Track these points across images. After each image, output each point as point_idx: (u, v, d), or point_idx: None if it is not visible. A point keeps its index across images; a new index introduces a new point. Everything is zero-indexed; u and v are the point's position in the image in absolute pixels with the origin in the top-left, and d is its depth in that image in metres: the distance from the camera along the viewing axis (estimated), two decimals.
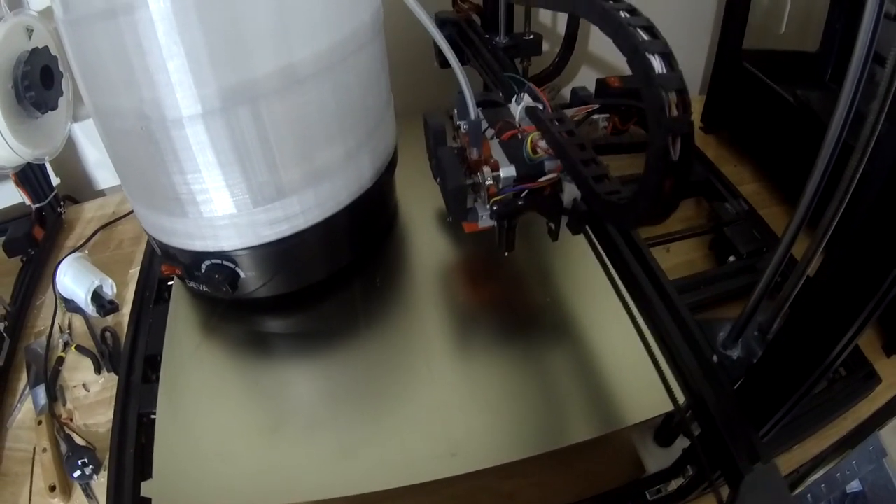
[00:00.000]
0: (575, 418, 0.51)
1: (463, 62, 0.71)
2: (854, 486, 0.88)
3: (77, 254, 0.73)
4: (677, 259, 0.73)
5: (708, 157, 0.87)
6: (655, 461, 0.54)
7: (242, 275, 0.56)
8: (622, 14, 0.38)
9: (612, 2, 0.39)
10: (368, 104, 0.56)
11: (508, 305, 0.61)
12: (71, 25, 0.46)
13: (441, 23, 0.72)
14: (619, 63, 0.97)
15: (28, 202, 0.78)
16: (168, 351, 0.59)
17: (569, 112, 0.78)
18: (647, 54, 0.36)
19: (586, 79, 0.99)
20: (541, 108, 0.51)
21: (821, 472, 0.73)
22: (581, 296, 0.60)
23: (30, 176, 0.78)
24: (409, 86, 0.73)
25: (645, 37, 0.37)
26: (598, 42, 0.95)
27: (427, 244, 0.68)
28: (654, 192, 0.38)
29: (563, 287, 0.61)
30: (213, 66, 0.44)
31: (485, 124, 0.51)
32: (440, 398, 0.53)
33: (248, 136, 0.48)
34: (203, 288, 0.58)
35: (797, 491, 0.76)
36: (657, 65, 0.36)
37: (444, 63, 0.75)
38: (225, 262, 0.55)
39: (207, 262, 0.55)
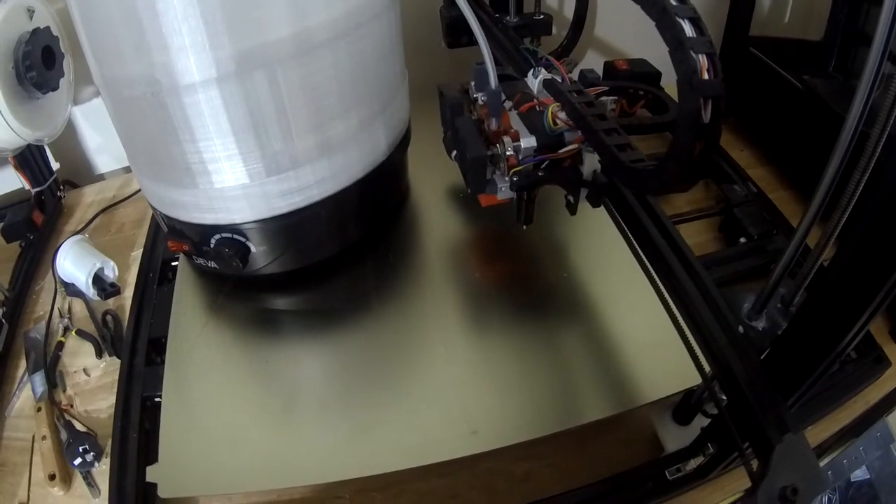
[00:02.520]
0: (595, 396, 0.50)
1: (471, 43, 0.70)
2: (859, 474, 0.87)
3: (77, 237, 0.71)
4: (687, 241, 0.73)
5: None
6: (674, 440, 0.53)
7: (253, 249, 0.54)
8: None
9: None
10: (383, 75, 0.55)
11: (525, 282, 0.60)
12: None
13: (450, 3, 0.71)
14: (625, 47, 0.96)
15: (27, 186, 0.76)
16: (173, 332, 0.58)
17: None
18: (677, 18, 0.35)
19: (592, 62, 0.98)
20: (559, 80, 0.49)
21: (827, 460, 0.73)
22: (599, 271, 0.59)
23: (29, 160, 0.76)
24: (418, 68, 0.72)
25: (674, 2, 0.36)
26: (606, 25, 0.95)
27: (440, 221, 0.66)
28: (684, 156, 0.36)
29: (580, 263, 0.60)
30: (228, 29, 0.43)
31: (502, 97, 0.50)
32: (456, 377, 0.52)
33: (262, 103, 0.47)
34: (211, 264, 0.56)
35: None
36: (687, 28, 0.36)
37: (452, 43, 0.74)
38: (235, 236, 0.53)
39: (217, 237, 0.53)
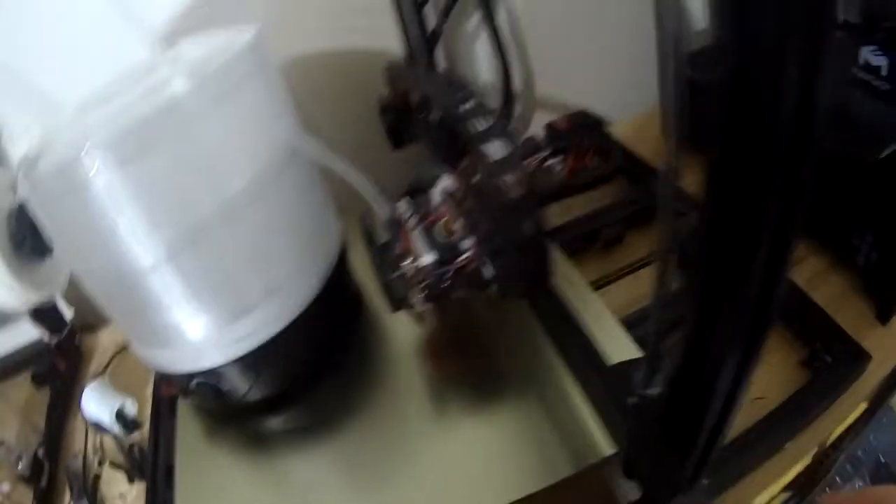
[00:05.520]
0: (547, 461, 0.58)
1: (409, 141, 0.80)
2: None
3: (97, 381, 0.84)
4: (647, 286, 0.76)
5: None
6: (628, 493, 0.60)
7: (225, 388, 0.65)
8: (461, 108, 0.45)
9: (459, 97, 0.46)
10: (309, 210, 0.65)
11: (480, 369, 0.68)
12: (37, 203, 0.58)
13: (383, 109, 0.81)
14: (574, 97, 1.00)
15: (46, 338, 0.91)
16: (179, 460, 0.70)
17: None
18: (481, 146, 0.42)
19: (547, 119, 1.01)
20: (455, 188, 0.58)
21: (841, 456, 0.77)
22: (536, 351, 0.66)
23: (43, 312, 0.90)
24: (372, 168, 0.82)
25: (480, 125, 0.43)
26: (550, 84, 0.96)
27: (395, 323, 0.75)
28: (522, 274, 0.43)
29: (525, 343, 0.67)
30: (161, 220, 0.55)
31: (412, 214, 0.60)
32: (437, 466, 0.61)
33: (208, 268, 0.58)
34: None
35: (829, 475, 0.79)
36: (493, 149, 0.42)
37: (397, 145, 0.84)
38: (211, 379, 0.65)
39: (196, 381, 0.65)
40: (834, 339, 0.70)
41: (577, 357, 0.52)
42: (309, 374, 0.72)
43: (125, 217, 0.54)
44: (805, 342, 0.72)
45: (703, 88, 0.26)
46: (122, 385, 0.86)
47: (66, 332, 0.94)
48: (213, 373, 0.65)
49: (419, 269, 0.55)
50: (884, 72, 0.80)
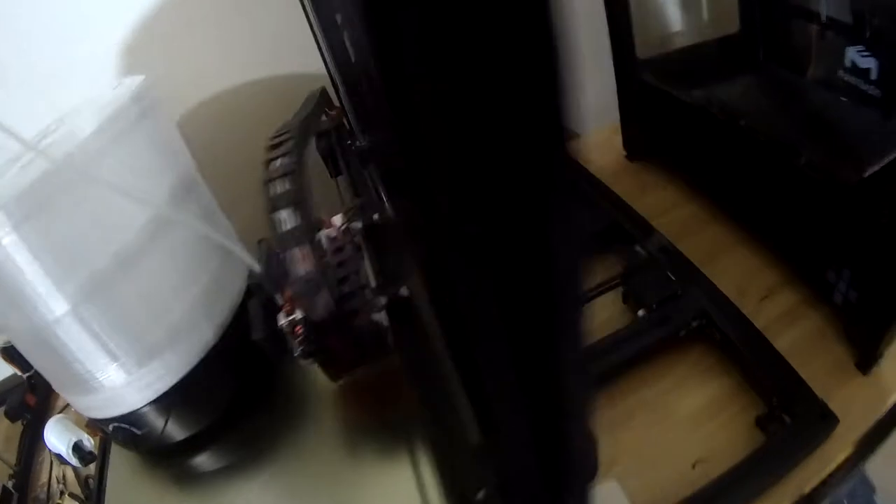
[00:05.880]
0: None
1: (339, 172, 0.79)
2: None
3: (58, 415, 0.88)
4: (595, 319, 0.72)
5: (616, 193, 0.83)
6: None
7: (145, 429, 0.68)
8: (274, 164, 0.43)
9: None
10: (203, 258, 0.67)
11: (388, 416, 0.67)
12: None
13: (318, 135, 0.80)
14: None
15: (18, 373, 0.96)
16: (110, 498, 0.74)
17: None
18: (273, 214, 0.40)
19: None
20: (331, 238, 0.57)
21: None
22: None
23: (12, 351, 0.95)
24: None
25: (278, 189, 0.41)
26: None
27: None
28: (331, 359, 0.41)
29: None
30: (62, 273, 0.57)
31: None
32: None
33: (110, 316, 0.61)
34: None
35: None
36: (283, 218, 0.40)
37: (334, 171, 0.83)
38: (127, 423, 0.67)
39: (113, 425, 0.67)
40: (795, 395, 0.59)
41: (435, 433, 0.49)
42: (227, 414, 0.73)
43: (28, 273, 0.56)
44: (762, 395, 0.62)
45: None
46: (82, 420, 0.89)
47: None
48: (128, 417, 0.67)
49: (295, 324, 0.54)
50: (873, 75, 0.70)
